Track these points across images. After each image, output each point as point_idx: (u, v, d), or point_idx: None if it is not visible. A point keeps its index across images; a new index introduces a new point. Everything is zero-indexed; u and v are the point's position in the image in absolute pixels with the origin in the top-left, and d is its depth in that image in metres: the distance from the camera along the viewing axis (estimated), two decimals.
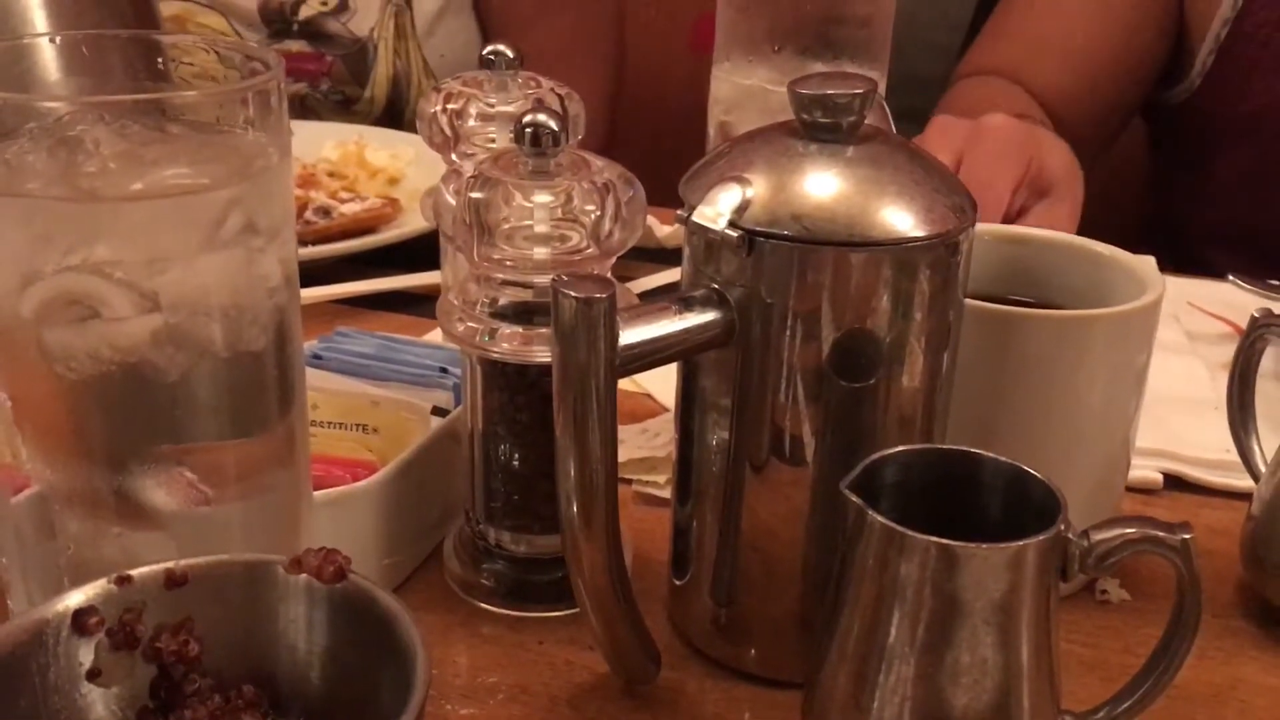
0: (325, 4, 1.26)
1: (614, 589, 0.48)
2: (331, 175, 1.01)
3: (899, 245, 0.46)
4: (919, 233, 0.46)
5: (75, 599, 0.38)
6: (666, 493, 0.65)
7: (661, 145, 1.19)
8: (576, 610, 0.50)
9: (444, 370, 0.63)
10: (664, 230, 0.96)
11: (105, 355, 0.41)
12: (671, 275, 0.91)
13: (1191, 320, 0.84)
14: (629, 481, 0.65)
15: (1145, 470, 0.65)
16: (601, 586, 0.48)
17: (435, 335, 0.80)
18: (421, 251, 0.91)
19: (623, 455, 0.59)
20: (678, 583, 0.55)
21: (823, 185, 0.47)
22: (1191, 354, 0.79)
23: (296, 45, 1.27)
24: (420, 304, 0.86)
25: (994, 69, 1.12)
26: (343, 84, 1.30)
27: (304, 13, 1.26)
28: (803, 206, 0.46)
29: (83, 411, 0.42)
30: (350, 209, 0.94)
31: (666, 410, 0.72)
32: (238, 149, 0.43)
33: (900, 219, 0.46)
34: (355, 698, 0.39)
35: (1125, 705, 0.44)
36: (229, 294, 0.42)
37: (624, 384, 0.49)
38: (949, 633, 0.41)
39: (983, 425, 0.54)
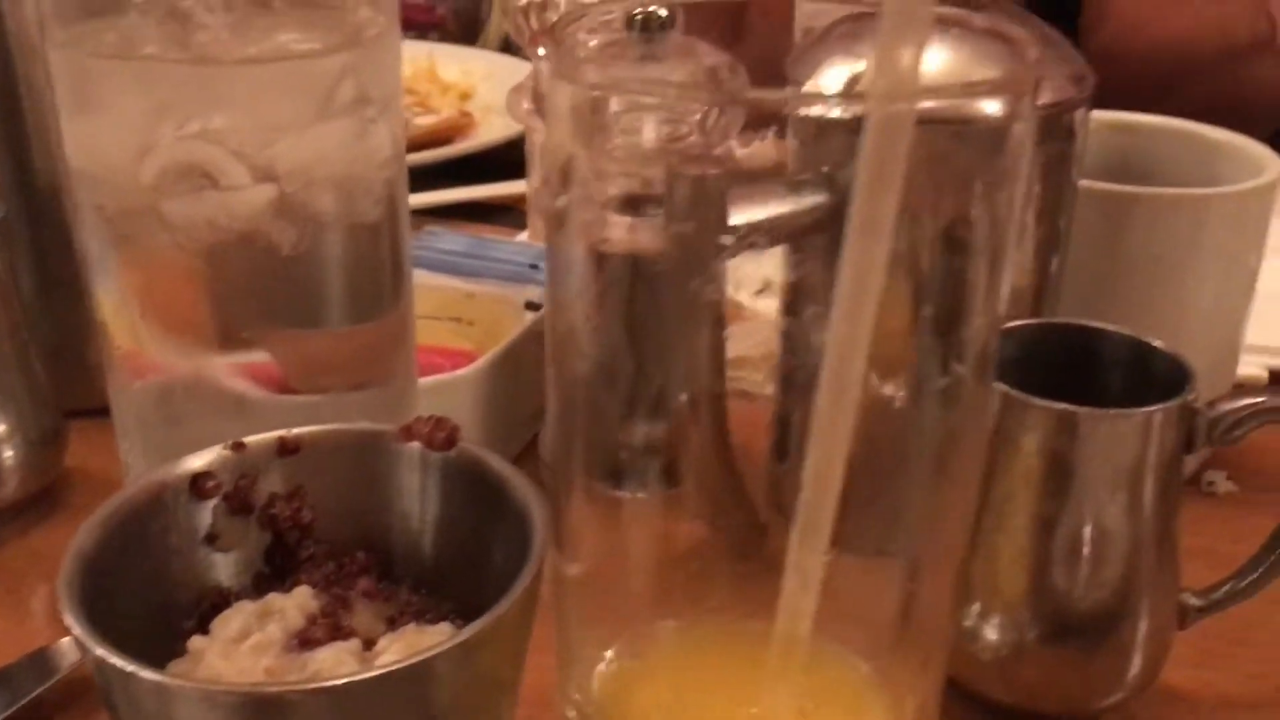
0: None
1: (722, 471, 0.47)
2: (404, 92, 1.00)
3: None
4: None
5: (193, 463, 0.38)
6: (763, 389, 0.64)
7: None
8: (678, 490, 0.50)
9: (534, 266, 0.62)
10: (742, 151, 0.95)
11: (223, 224, 0.40)
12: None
13: None
14: None
15: (1251, 367, 0.64)
16: (708, 468, 0.47)
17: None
18: (498, 165, 0.91)
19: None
20: (782, 466, 0.54)
21: (938, 59, 0.45)
22: None
23: None
24: (500, 215, 0.86)
25: None
26: (452, 40, 1.28)
27: None
28: None
29: (202, 290, 0.42)
30: (424, 121, 0.94)
31: (758, 316, 0.71)
32: (345, 20, 0.43)
33: None
34: (467, 562, 0.39)
35: (1248, 580, 0.43)
36: (342, 165, 0.42)
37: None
38: (1072, 504, 0.40)
39: (1089, 312, 0.52)
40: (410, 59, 1.07)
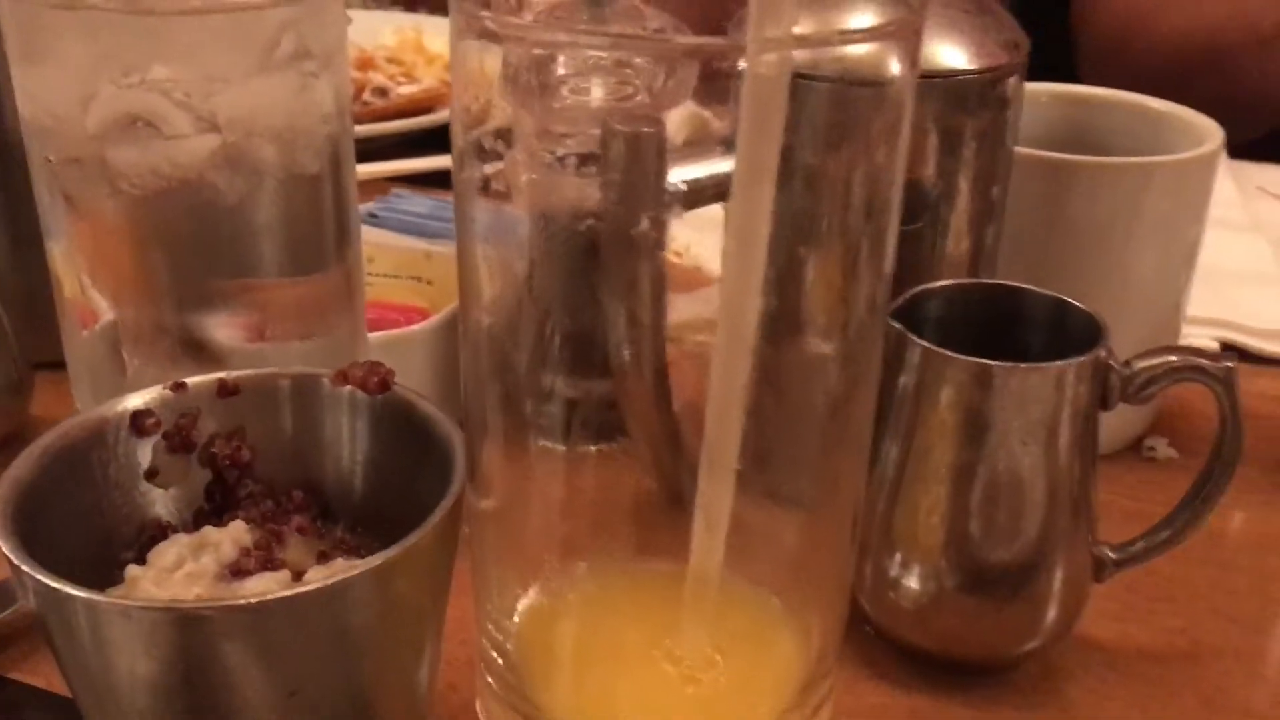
0: None
1: (662, 424, 0.49)
2: (390, 61, 1.01)
3: (947, 79, 0.45)
4: (968, 67, 0.45)
5: (133, 401, 0.40)
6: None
7: None
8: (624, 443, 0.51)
9: None
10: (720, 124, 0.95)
11: (166, 171, 0.42)
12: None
13: (1261, 204, 0.82)
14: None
15: (1201, 339, 0.65)
16: (650, 423, 0.48)
17: None
18: None
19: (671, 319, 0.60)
20: None
21: (868, 23, 0.46)
22: (1256, 232, 0.77)
23: None
24: None
25: None
26: (442, 13, 1.29)
27: None
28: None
29: (146, 239, 0.44)
30: (407, 90, 0.95)
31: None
32: None
33: (949, 54, 0.46)
34: (397, 502, 0.40)
35: (1163, 536, 0.44)
36: (283, 116, 0.43)
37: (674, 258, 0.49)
38: (987, 456, 0.41)
39: (1029, 281, 0.53)
40: (397, 30, 1.09)
